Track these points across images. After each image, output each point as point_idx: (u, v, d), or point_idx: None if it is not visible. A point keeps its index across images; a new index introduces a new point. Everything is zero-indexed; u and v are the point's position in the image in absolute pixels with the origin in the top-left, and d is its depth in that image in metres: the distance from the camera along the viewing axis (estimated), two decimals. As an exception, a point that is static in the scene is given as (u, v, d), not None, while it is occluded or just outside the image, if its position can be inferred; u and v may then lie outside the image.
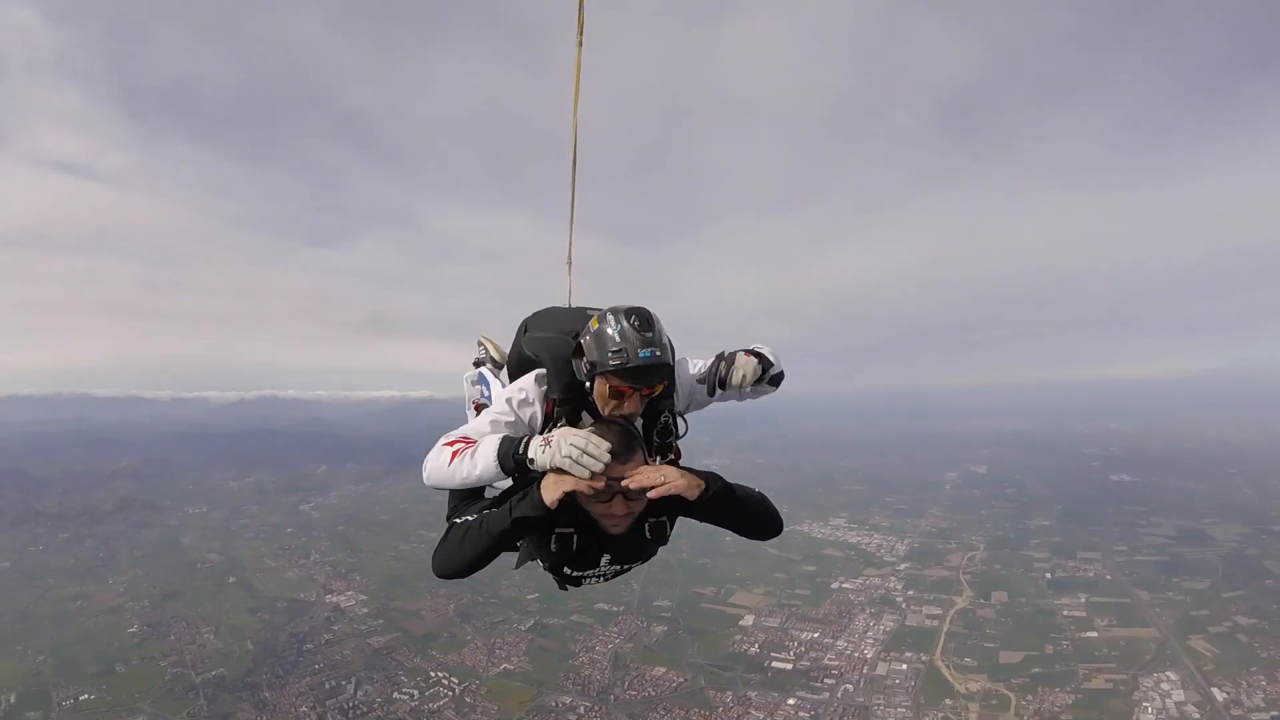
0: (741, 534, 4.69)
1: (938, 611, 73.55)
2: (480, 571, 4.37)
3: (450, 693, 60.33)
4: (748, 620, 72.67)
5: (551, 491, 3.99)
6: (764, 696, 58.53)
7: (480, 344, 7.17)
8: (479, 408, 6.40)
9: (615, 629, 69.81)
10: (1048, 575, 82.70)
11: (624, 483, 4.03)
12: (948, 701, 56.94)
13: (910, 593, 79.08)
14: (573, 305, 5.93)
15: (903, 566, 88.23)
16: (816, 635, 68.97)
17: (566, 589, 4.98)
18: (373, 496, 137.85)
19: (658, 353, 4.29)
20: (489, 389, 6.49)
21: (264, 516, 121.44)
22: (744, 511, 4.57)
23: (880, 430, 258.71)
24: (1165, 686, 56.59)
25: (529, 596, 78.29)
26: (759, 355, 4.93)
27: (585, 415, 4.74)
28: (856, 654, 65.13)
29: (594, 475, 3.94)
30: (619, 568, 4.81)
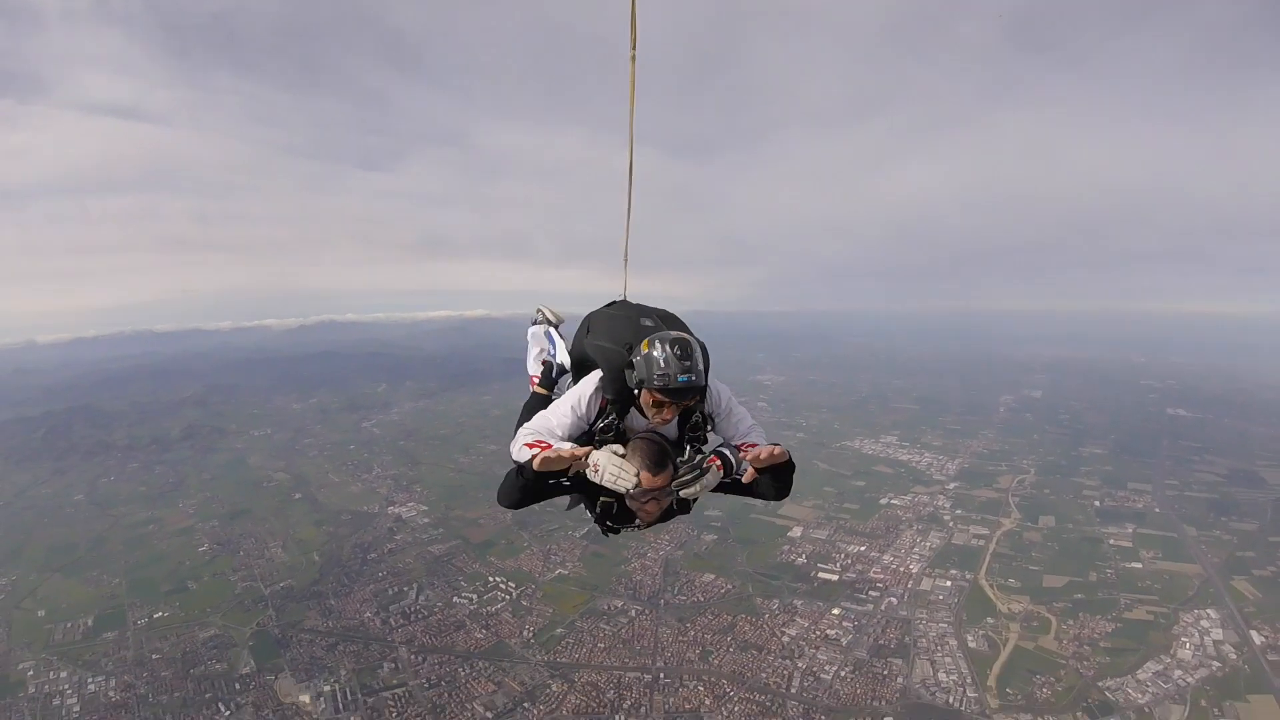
0: (759, 497, 6.14)
1: (984, 532, 74.25)
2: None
3: (507, 596, 62.81)
4: (796, 531, 74.07)
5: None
6: (809, 605, 59.96)
7: (539, 311, 8.74)
8: (546, 363, 8.00)
9: (666, 537, 71.51)
10: (1096, 503, 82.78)
11: (749, 455, 5.63)
12: (989, 620, 57.70)
13: (958, 512, 79.86)
14: (628, 300, 7.30)
15: (952, 486, 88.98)
16: (863, 549, 70.20)
17: (608, 535, 6.63)
18: (432, 412, 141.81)
19: (693, 378, 5.50)
20: (555, 348, 8.17)
21: (327, 435, 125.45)
22: (786, 482, 6.00)
23: (936, 351, 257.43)
24: (1205, 624, 56.70)
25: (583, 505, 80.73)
26: (727, 461, 5.85)
27: (633, 411, 6.08)
28: (902, 569, 66.25)
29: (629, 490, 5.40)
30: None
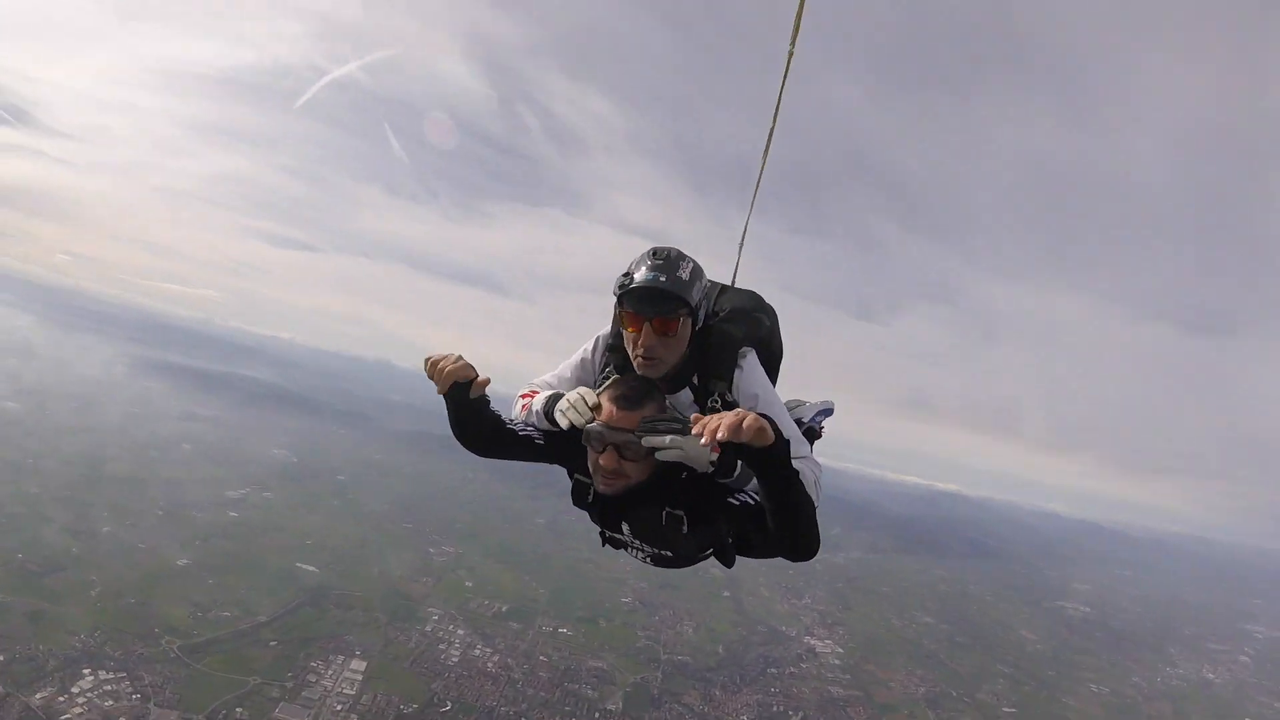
0: (771, 551, 4.10)
1: None
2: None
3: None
4: None
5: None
6: None
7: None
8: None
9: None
10: None
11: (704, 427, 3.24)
12: None
13: None
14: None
15: None
16: None
17: (606, 546, 4.91)
18: (878, 567, 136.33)
19: (661, 277, 4.11)
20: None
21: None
22: (795, 505, 3.60)
23: None
24: None
25: (1005, 709, 72.77)
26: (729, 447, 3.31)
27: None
28: None
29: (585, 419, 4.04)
30: (654, 551, 4.54)
